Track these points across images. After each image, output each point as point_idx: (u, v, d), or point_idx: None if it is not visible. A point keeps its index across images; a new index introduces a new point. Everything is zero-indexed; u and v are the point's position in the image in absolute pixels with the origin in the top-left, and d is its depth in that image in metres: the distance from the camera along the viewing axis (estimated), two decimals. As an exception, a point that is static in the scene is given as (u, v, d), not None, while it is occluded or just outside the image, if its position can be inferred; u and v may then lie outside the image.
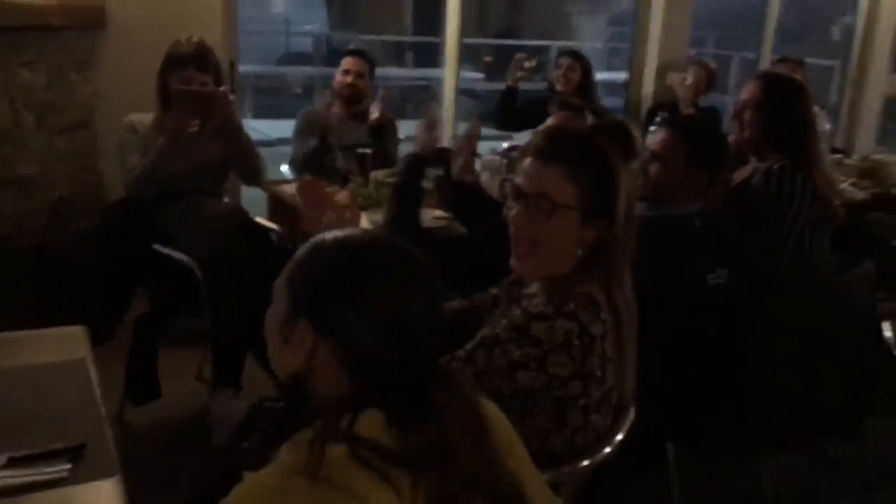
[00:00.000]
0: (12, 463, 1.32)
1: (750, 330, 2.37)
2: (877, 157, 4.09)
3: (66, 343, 1.77)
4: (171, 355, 2.94)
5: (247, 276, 2.70)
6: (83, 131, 3.55)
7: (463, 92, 7.40)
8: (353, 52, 3.94)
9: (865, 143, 5.32)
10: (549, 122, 2.41)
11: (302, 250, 1.11)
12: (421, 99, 8.77)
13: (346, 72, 3.81)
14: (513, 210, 1.57)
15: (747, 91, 2.73)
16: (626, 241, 1.58)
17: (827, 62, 6.54)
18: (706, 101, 4.52)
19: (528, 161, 1.60)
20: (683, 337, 2.30)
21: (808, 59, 6.18)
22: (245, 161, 2.94)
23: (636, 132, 2.19)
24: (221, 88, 2.77)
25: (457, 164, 2.70)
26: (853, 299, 2.57)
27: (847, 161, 4.04)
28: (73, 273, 3.32)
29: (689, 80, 4.22)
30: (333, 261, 1.06)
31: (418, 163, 2.47)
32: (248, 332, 2.76)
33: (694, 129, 2.45)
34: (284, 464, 0.95)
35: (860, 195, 3.53)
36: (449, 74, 4.60)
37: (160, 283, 2.80)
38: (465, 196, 2.72)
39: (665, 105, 4.42)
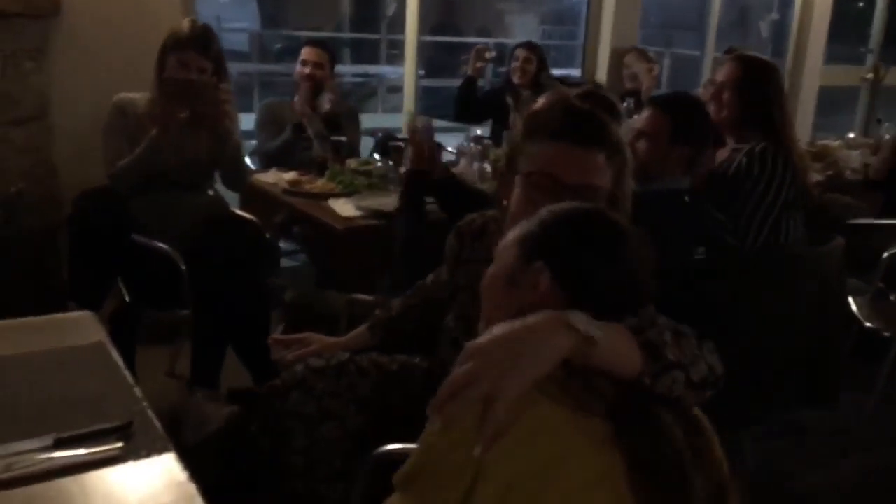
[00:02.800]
0: (60, 444, 1.26)
1: (723, 304, 2.44)
2: (824, 141, 4.26)
3: (80, 327, 1.70)
4: (139, 352, 2.84)
5: (231, 268, 2.65)
6: (37, 122, 3.41)
7: (398, 88, 7.41)
8: (311, 42, 3.89)
9: (803, 131, 5.51)
10: (544, 101, 2.40)
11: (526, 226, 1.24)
12: (362, 94, 8.76)
13: (305, 62, 3.77)
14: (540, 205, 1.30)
15: (723, 72, 2.77)
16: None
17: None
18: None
19: (552, 147, 1.49)
20: (668, 311, 2.36)
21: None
22: (230, 166, 2.86)
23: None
24: (222, 84, 2.68)
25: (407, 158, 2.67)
26: (826, 273, 2.68)
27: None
28: (29, 270, 3.20)
29: (656, 70, 4.29)
30: (566, 217, 1.24)
31: (415, 178, 2.44)
32: (230, 326, 2.72)
33: (677, 106, 2.50)
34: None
35: (816, 177, 3.66)
36: (409, 71, 4.60)
37: (140, 275, 2.72)
38: (445, 189, 2.71)
39: (629, 92, 4.48)
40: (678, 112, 2.44)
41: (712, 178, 2.67)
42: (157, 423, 1.36)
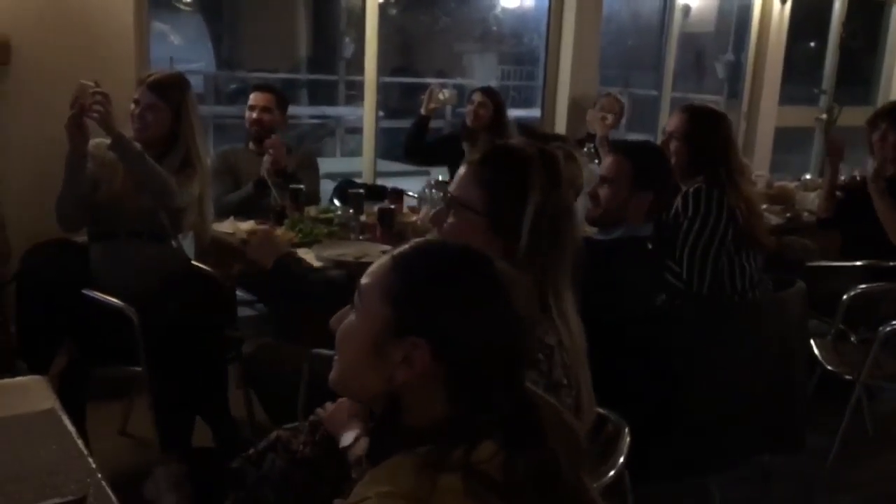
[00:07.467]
0: (4, 525, 1.20)
1: (685, 350, 2.43)
2: (781, 183, 4.30)
3: (29, 393, 1.63)
4: (89, 410, 2.69)
5: (186, 323, 2.57)
6: (-18, 174, 3.30)
7: (357, 130, 7.38)
8: (258, 87, 3.82)
9: (761, 171, 5.55)
10: None
11: (399, 259, 1.05)
12: (320, 135, 8.71)
13: (252, 107, 3.70)
14: None
15: (672, 122, 2.84)
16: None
17: (712, 97, 6.86)
18: (614, 134, 4.62)
19: None
20: (632, 360, 2.34)
21: (695, 95, 6.47)
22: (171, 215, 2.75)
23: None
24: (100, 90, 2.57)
25: None
26: (788, 319, 2.68)
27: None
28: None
29: (609, 119, 4.29)
30: (449, 272, 1.03)
31: None
32: (186, 382, 2.63)
33: (639, 152, 2.52)
34: (385, 493, 0.90)
35: (774, 220, 3.70)
36: (368, 113, 4.59)
37: (91, 330, 2.63)
38: None
39: (585, 139, 4.48)
40: (640, 157, 2.46)
41: (656, 225, 2.68)
42: (114, 497, 1.30)
